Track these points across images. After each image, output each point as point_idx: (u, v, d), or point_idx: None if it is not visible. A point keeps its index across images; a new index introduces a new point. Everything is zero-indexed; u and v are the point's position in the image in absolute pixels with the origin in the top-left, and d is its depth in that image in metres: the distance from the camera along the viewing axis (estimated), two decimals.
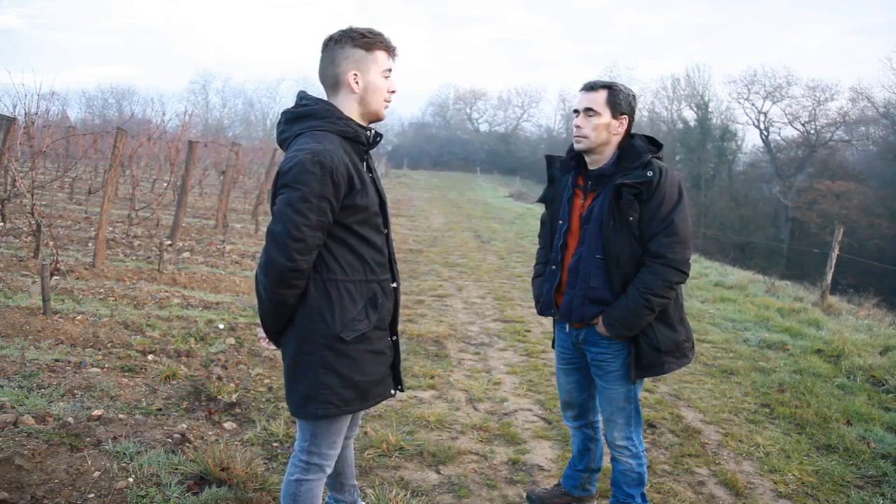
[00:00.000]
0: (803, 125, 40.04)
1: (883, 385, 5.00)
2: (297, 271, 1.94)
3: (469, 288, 8.29)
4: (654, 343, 2.51)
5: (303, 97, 2.12)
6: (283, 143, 2.09)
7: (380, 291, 2.13)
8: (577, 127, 2.55)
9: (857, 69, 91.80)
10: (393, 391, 2.23)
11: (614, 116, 2.51)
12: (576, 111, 2.58)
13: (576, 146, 2.59)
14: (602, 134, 2.52)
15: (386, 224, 2.17)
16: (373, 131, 2.13)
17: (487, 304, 7.44)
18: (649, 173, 2.42)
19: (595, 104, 2.51)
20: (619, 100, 2.51)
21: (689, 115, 43.47)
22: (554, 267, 2.68)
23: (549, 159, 2.80)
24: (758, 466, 3.61)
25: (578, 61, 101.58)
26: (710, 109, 42.19)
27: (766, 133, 41.91)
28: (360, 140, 2.08)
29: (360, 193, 2.01)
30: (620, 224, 2.45)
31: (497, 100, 69.24)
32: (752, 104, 42.52)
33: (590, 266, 2.53)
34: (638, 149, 2.51)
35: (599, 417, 2.90)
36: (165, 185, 13.40)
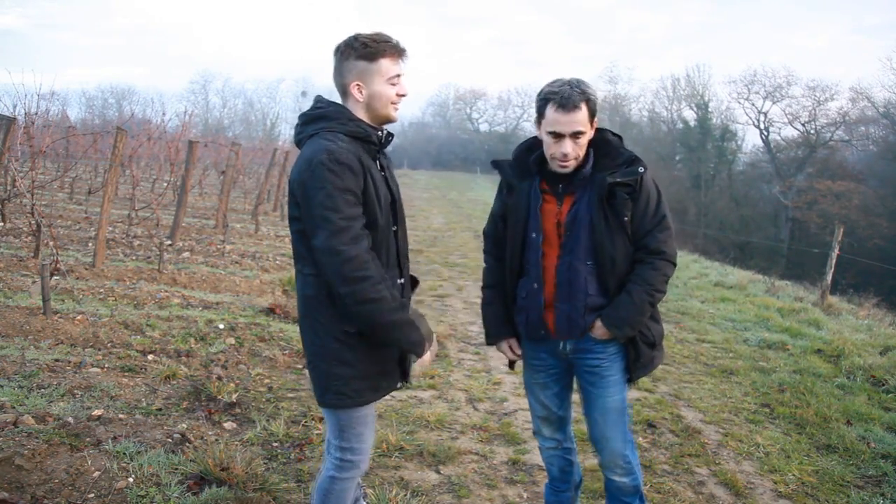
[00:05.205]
0: (803, 125, 39.98)
1: (883, 385, 5.00)
2: (352, 259, 1.94)
3: (469, 288, 8.29)
4: (650, 339, 2.43)
5: (318, 100, 2.18)
6: (300, 143, 2.16)
7: None
8: (564, 154, 2.27)
9: (857, 69, 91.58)
10: (399, 384, 2.26)
11: (592, 125, 2.32)
12: (556, 134, 2.26)
13: (560, 171, 2.33)
14: (585, 148, 2.33)
15: (395, 221, 2.20)
16: (384, 131, 2.18)
17: None
18: (640, 169, 2.30)
19: (581, 124, 2.26)
20: (595, 107, 2.30)
21: (689, 115, 43.39)
22: (536, 285, 2.42)
23: (499, 165, 2.51)
24: (758, 466, 3.61)
25: (578, 61, 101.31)
26: (710, 109, 42.10)
27: (766, 133, 41.85)
28: (371, 140, 2.12)
29: (370, 189, 2.06)
30: (616, 225, 2.32)
31: (497, 100, 69.10)
32: (752, 104, 42.43)
33: (584, 274, 2.36)
34: (614, 144, 2.37)
35: (572, 431, 2.72)
36: (165, 185, 13.40)
